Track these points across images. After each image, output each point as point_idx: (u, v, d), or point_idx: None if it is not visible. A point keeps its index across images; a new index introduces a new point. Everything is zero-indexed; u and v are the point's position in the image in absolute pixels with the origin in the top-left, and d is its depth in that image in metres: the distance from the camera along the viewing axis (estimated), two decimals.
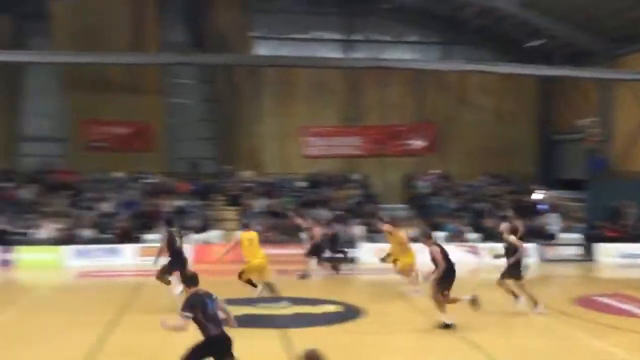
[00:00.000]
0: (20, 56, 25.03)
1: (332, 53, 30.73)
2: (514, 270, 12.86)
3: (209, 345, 7.24)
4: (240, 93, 29.75)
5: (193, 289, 7.46)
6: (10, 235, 21.93)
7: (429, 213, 25.91)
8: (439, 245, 11.86)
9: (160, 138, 29.00)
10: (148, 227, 22.47)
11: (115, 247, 21.94)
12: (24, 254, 21.11)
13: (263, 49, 30.02)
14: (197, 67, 29.97)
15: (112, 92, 27.98)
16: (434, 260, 11.48)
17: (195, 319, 7.16)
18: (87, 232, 22.89)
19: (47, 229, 22.45)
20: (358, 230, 23.96)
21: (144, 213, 24.15)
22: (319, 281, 18.02)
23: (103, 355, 10.00)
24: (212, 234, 23.51)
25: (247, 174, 28.15)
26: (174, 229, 13.80)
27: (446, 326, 11.46)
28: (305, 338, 10.48)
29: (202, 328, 7.22)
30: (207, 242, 22.97)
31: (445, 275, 11.45)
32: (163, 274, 13.34)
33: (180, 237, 13.81)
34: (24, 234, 22.37)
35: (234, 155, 29.49)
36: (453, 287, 11.58)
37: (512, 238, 12.95)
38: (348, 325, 12.25)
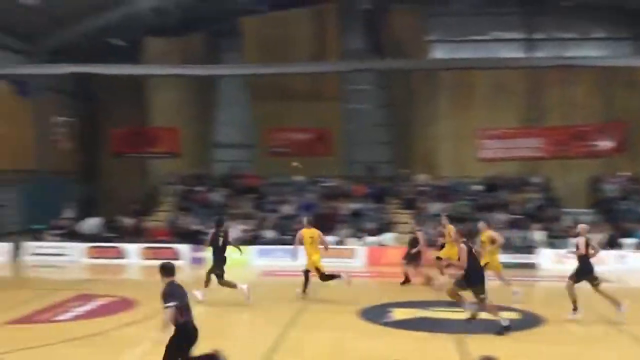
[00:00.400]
0: (214, 70, 27.23)
1: (512, 53, 29.84)
2: None
3: (183, 334, 7.52)
4: (416, 97, 29.84)
5: (169, 279, 7.76)
6: (202, 235, 23.77)
7: (617, 218, 24.25)
8: (468, 245, 11.56)
9: (338, 143, 29.94)
10: (326, 229, 23.23)
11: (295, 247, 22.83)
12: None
13: (440, 52, 29.88)
14: (374, 73, 30.53)
15: (294, 101, 29.45)
16: (459, 258, 11.47)
17: (175, 307, 7.43)
18: (270, 233, 24.18)
19: (235, 230, 24.05)
20: (538, 235, 23.03)
21: (322, 215, 25.02)
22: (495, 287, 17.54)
23: (281, 352, 10.47)
24: (387, 237, 23.77)
25: (422, 177, 28.12)
26: (221, 229, 14.86)
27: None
28: (481, 344, 10.32)
29: (179, 315, 7.48)
30: (381, 245, 23.30)
31: (470, 276, 11.38)
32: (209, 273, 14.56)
33: (224, 237, 14.72)
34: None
35: (409, 159, 29.64)
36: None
37: None
38: (525, 334, 11.84)
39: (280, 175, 28.32)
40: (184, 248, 22.84)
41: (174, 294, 7.61)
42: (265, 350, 10.36)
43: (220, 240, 14.77)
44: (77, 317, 13.39)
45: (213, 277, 14.65)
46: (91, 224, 25.16)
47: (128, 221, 25.48)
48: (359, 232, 24.10)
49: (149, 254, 22.82)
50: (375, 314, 13.16)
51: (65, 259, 23.06)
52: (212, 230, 15.19)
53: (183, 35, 30.14)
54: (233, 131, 32.54)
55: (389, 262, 21.00)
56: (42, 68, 26.70)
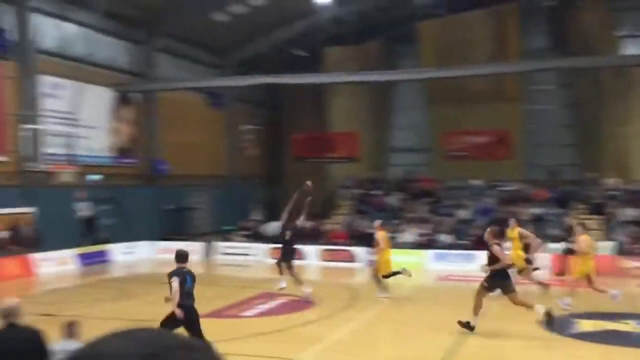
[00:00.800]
0: (391, 76, 27.58)
1: None
2: None
3: (186, 318, 8.99)
4: (604, 95, 28.01)
5: (180, 265, 9.29)
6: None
7: None
8: (500, 245, 11.92)
9: (518, 145, 28.92)
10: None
11: (471, 253, 22.44)
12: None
13: (631, 48, 27.81)
14: (556, 72, 29.12)
15: (472, 103, 28.94)
16: (490, 258, 11.72)
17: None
18: (446, 238, 23.95)
19: (411, 234, 24.13)
20: None
21: (499, 220, 24.28)
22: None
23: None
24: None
25: (612, 180, 26.28)
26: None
27: (467, 326, 11.68)
28: None
29: (180, 297, 8.96)
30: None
31: (495, 275, 11.63)
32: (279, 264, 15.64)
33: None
34: (391, 238, 24.37)
35: (596, 161, 27.86)
36: None
37: None
38: None
39: (457, 178, 27.94)
40: (360, 250, 23.33)
41: (178, 276, 9.11)
42: (442, 356, 10.35)
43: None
44: (260, 314, 14.25)
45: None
46: (274, 226, 26.51)
47: (307, 223, 26.48)
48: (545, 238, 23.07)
49: (327, 256, 23.61)
50: (560, 325, 12.57)
51: (250, 259, 24.55)
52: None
53: (361, 42, 30.84)
54: (409, 135, 32.70)
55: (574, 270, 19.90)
56: (233, 80, 28.65)
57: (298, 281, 15.53)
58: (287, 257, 15.63)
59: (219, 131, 32.20)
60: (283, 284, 15.50)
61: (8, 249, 20.29)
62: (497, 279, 11.73)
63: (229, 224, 27.55)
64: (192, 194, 29.83)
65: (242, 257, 24.58)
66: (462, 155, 29.20)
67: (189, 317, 9.15)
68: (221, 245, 25.34)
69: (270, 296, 16.11)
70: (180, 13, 25.22)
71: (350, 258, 23.32)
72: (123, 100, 26.44)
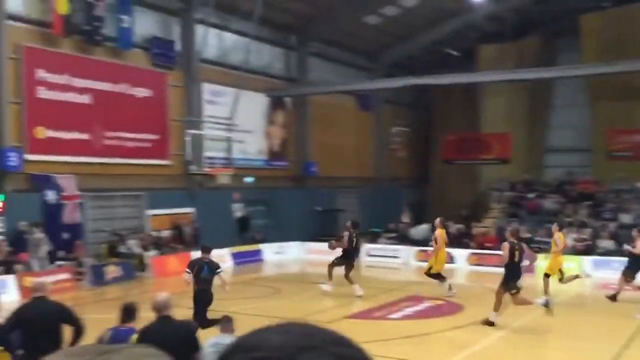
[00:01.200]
0: (549, 72, 26.43)
1: None
2: None
3: (195, 299, 11.06)
4: None
5: (202, 256, 11.40)
6: (532, 243, 23.14)
7: None
8: (511, 244, 12.58)
9: None
10: None
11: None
12: (543, 262, 21.95)
13: None
14: None
15: (638, 100, 27.04)
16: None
17: (193, 275, 10.99)
18: (606, 243, 22.51)
19: (568, 239, 22.90)
20: None
21: None
22: None
23: None
24: None
25: None
26: (355, 231, 16.48)
27: (490, 323, 12.27)
28: None
29: (194, 283, 11.03)
30: None
31: (509, 273, 12.34)
32: (331, 267, 16.40)
33: (357, 239, 16.63)
34: (545, 243, 23.31)
35: None
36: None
37: None
38: None
39: (620, 180, 26.18)
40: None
41: (193, 266, 11.17)
42: None
43: (354, 242, 16.42)
44: (407, 317, 14.23)
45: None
46: (421, 228, 26.31)
47: (457, 227, 26.04)
48: None
49: (476, 260, 23.04)
50: None
51: (397, 261, 24.53)
52: (347, 233, 16.59)
53: (517, 39, 29.78)
54: (568, 135, 31.07)
55: None
56: (383, 82, 28.79)
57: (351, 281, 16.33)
58: None
59: (367, 133, 32.52)
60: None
61: (171, 246, 21.81)
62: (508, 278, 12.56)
63: (376, 225, 27.72)
64: (341, 195, 30.37)
65: (389, 260, 24.63)
66: (626, 155, 27.38)
67: (199, 297, 11.03)
68: (369, 247, 25.56)
69: (417, 299, 16.05)
70: (333, 18, 25.75)
71: (501, 263, 22.57)
72: (276, 104, 27.48)
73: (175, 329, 6.37)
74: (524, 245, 14.01)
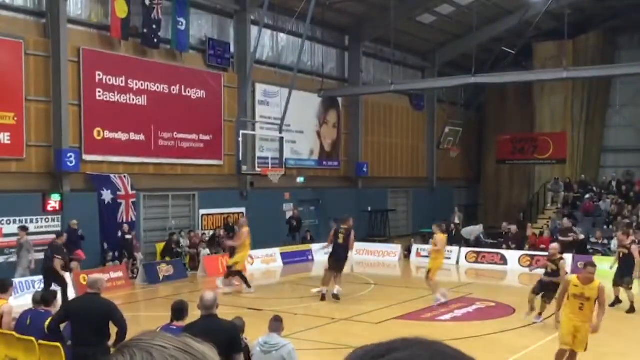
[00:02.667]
0: (608, 70, 25.73)
1: None
2: None
3: None
4: None
5: None
6: (588, 245, 22.62)
7: None
8: None
9: None
10: None
11: None
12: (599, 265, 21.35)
13: None
14: None
15: None
16: None
17: None
18: None
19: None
20: None
21: None
22: None
23: None
24: None
25: None
26: (341, 227, 16.23)
27: None
28: None
29: None
30: None
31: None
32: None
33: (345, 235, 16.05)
34: (603, 244, 22.74)
35: None
36: None
37: None
38: None
39: None
40: (566, 257, 21.99)
41: None
42: None
43: (341, 237, 16.03)
44: (456, 319, 14.12)
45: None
46: (472, 229, 25.98)
47: (511, 227, 25.62)
48: None
49: (530, 262, 22.60)
50: None
51: (447, 262, 24.25)
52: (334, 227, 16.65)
53: (574, 36, 29.09)
54: (626, 134, 30.16)
55: None
56: (436, 81, 28.53)
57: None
58: None
59: (420, 133, 32.31)
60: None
61: (224, 246, 22.11)
62: None
63: (427, 226, 27.49)
64: (392, 195, 30.24)
65: None
66: None
67: None
68: (419, 247, 25.38)
69: (467, 301, 15.90)
70: (386, 17, 25.67)
71: None
72: (328, 104, 27.57)
73: (220, 327, 6.50)
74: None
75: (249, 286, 17.03)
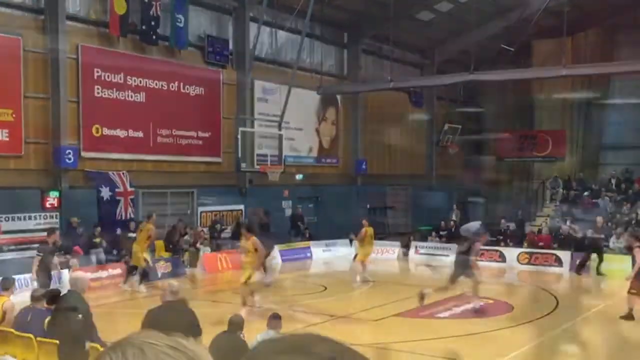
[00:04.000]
0: (606, 68, 25.67)
1: None
2: None
3: None
4: None
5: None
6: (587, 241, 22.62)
7: None
8: None
9: None
10: None
11: None
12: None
13: None
14: None
15: None
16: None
17: None
18: None
19: (624, 239, 22.29)
20: None
21: None
22: None
23: None
24: None
25: None
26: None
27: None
28: None
29: None
30: None
31: None
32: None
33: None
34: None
35: None
36: None
37: None
38: None
39: None
40: (565, 255, 22.08)
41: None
42: None
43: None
44: (455, 316, 14.13)
45: None
46: (471, 226, 25.94)
47: (509, 225, 25.66)
48: None
49: (528, 259, 22.66)
50: None
51: (446, 260, 24.28)
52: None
53: (573, 33, 29.03)
54: (626, 132, 30.11)
55: None
56: (435, 79, 28.49)
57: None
58: None
59: (418, 130, 32.29)
60: None
61: (225, 243, 22.11)
62: None
63: (426, 223, 27.52)
64: (391, 193, 30.22)
65: (437, 258, 24.42)
66: None
67: None
68: (417, 244, 25.40)
69: (466, 299, 15.89)
70: (385, 15, 25.62)
71: (554, 262, 22.17)
72: (327, 101, 27.55)
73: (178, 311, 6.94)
74: None
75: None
